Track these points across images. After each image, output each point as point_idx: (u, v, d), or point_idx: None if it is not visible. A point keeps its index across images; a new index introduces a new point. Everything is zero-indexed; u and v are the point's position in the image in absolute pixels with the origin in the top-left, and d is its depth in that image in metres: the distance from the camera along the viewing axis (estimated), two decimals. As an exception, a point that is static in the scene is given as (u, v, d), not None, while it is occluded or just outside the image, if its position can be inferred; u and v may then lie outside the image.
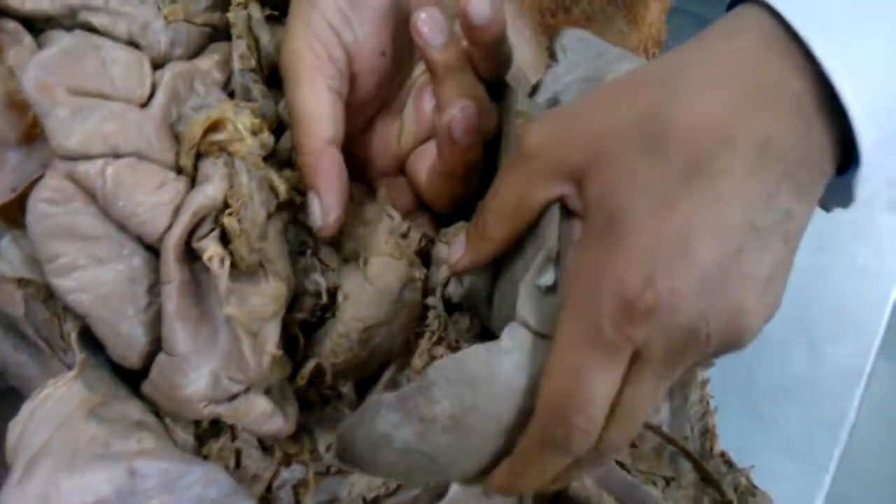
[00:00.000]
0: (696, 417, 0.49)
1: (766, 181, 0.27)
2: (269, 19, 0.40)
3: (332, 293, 0.38)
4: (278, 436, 0.36)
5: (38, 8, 0.36)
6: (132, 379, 0.36)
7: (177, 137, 0.35)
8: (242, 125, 0.35)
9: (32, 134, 0.34)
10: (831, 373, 0.58)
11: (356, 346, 0.37)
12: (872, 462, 0.77)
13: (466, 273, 0.36)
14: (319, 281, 0.38)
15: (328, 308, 0.38)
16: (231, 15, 0.39)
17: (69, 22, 0.36)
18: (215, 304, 0.33)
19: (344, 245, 0.39)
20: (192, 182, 0.35)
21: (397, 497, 0.41)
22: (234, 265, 0.34)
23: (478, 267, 0.35)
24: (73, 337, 0.34)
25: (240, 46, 0.39)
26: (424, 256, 0.40)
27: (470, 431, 0.29)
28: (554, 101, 0.42)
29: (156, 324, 0.34)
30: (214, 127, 0.35)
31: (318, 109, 0.36)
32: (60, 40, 0.34)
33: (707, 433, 0.48)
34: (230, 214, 0.34)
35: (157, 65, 0.37)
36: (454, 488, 0.41)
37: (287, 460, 0.38)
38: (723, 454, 0.47)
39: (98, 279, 0.32)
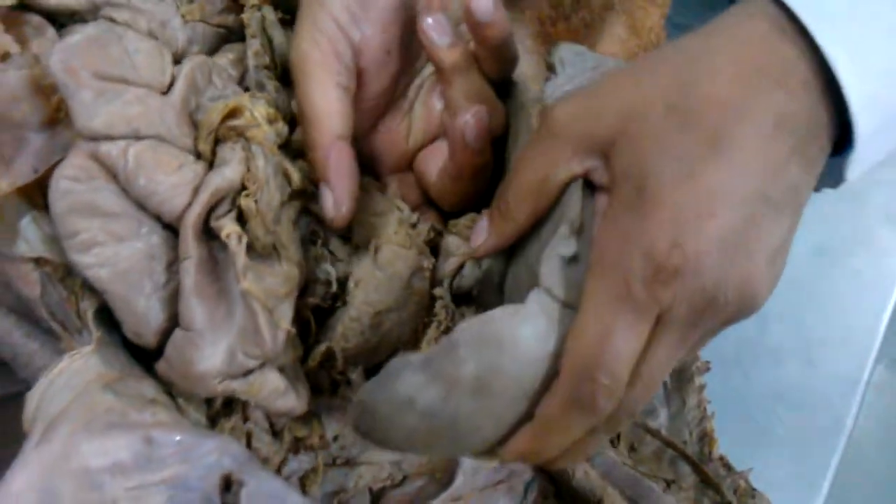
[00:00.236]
0: (694, 422, 0.49)
1: (779, 154, 0.28)
2: (282, 22, 0.41)
3: (343, 282, 0.39)
4: (291, 414, 0.36)
5: (62, 3, 0.37)
6: (146, 362, 0.36)
7: (195, 125, 0.36)
8: (259, 113, 0.36)
9: (56, 118, 0.35)
10: (829, 380, 0.59)
11: (367, 331, 0.38)
12: (869, 470, 0.76)
13: (488, 256, 0.37)
14: (329, 270, 0.39)
15: (338, 297, 0.39)
16: (246, 16, 0.40)
17: (92, 18, 0.37)
18: (232, 282, 0.34)
19: (355, 234, 0.39)
20: (210, 166, 0.35)
21: (403, 488, 0.41)
22: (249, 246, 0.34)
23: (502, 248, 0.36)
24: (90, 315, 0.34)
25: (254, 45, 0.40)
26: (433, 248, 0.40)
27: (494, 395, 0.29)
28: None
29: (172, 301, 0.34)
30: (232, 114, 0.36)
31: (327, 105, 0.36)
32: (84, 29, 0.35)
33: (705, 437, 0.48)
34: (247, 196, 0.34)
35: (176, 60, 0.38)
36: (460, 478, 0.41)
37: (296, 446, 0.39)
38: (721, 458, 0.47)
39: (117, 255, 0.33)
